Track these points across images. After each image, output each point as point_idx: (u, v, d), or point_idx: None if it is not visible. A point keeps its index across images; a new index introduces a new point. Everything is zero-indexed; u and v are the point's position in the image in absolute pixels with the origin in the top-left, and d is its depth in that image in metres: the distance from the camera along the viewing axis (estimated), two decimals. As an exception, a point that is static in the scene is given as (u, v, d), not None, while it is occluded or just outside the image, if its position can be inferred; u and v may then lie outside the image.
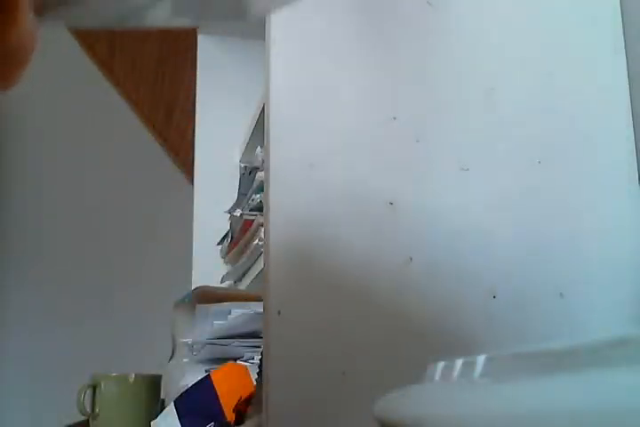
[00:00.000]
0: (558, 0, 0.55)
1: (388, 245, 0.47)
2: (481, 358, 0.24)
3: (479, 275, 0.49)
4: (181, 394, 0.63)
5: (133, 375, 0.71)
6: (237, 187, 0.92)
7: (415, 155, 0.50)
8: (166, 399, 0.71)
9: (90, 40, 1.56)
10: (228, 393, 0.60)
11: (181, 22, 0.26)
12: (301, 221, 0.47)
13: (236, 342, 0.68)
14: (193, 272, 0.99)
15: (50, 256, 1.47)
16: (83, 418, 0.72)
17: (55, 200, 1.51)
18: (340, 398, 0.44)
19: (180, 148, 1.52)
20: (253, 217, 0.82)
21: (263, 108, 0.59)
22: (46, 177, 1.53)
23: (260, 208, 0.79)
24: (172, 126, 1.56)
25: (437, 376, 0.27)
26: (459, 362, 0.26)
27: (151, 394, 0.72)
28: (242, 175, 0.93)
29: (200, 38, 1.06)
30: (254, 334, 0.67)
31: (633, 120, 0.52)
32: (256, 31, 0.59)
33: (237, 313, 0.67)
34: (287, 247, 0.46)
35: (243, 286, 0.89)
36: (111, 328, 1.42)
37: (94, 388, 0.70)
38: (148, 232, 1.51)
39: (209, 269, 0.97)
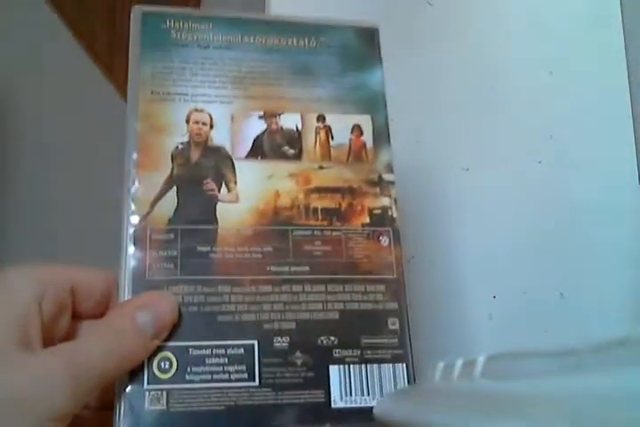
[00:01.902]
0: (558, 0, 0.55)
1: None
2: (481, 358, 0.24)
3: (479, 275, 0.49)
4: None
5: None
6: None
7: (415, 155, 0.50)
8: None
9: (90, 40, 1.56)
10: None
11: None
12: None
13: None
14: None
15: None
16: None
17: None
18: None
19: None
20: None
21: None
22: (47, 178, 1.53)
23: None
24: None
25: (437, 376, 0.27)
26: (459, 362, 0.26)
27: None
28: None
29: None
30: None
31: (633, 120, 0.52)
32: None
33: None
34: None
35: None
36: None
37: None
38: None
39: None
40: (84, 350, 0.26)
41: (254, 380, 0.29)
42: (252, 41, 0.35)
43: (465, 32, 0.53)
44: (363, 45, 0.37)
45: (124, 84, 0.34)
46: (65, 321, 0.29)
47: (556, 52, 0.53)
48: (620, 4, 0.54)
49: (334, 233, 0.33)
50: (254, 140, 0.34)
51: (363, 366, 0.31)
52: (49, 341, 0.27)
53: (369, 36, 0.37)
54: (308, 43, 0.36)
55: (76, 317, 0.30)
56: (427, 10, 0.53)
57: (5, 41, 1.53)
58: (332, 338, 0.31)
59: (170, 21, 0.35)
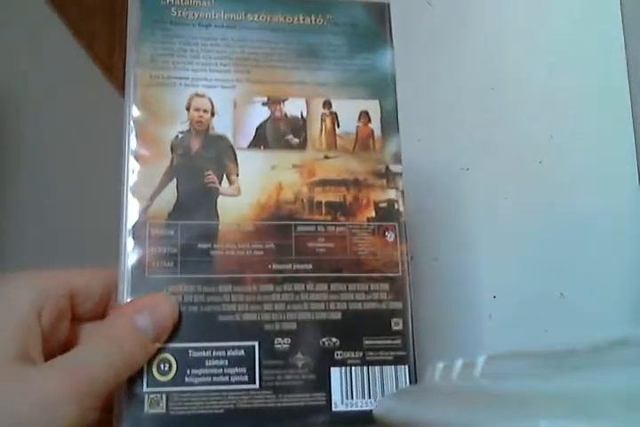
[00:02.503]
0: (558, 0, 0.55)
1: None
2: (481, 358, 0.24)
3: (479, 275, 0.49)
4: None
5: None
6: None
7: (415, 155, 0.50)
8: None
9: (90, 40, 1.56)
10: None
11: None
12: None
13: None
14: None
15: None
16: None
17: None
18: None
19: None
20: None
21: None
22: (47, 180, 1.53)
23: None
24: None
25: (437, 376, 0.27)
26: (459, 362, 0.26)
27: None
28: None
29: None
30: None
31: (633, 120, 0.52)
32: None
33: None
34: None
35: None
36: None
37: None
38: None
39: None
40: (86, 362, 0.26)
41: (254, 382, 0.29)
42: (255, 19, 0.34)
43: (465, 32, 0.53)
44: (372, 23, 0.35)
45: (123, 81, 0.33)
46: (64, 327, 0.29)
47: (556, 52, 0.53)
48: (620, 4, 0.54)
49: (338, 228, 0.32)
50: (257, 129, 0.33)
51: (364, 368, 0.30)
52: (49, 349, 0.27)
53: (379, 13, 0.35)
54: (315, 20, 0.34)
55: (76, 319, 0.30)
56: (427, 10, 0.53)
57: (5, 41, 1.53)
58: (334, 339, 0.30)
59: None
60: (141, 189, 0.30)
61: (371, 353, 0.31)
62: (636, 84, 0.52)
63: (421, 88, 0.51)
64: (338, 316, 0.31)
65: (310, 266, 0.31)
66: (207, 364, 0.29)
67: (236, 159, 0.32)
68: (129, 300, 0.29)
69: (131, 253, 0.30)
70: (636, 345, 0.17)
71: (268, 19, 0.34)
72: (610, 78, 0.53)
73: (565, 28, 0.54)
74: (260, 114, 0.33)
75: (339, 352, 0.30)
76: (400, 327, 0.31)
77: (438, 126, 0.51)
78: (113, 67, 1.56)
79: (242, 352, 0.29)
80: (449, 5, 0.53)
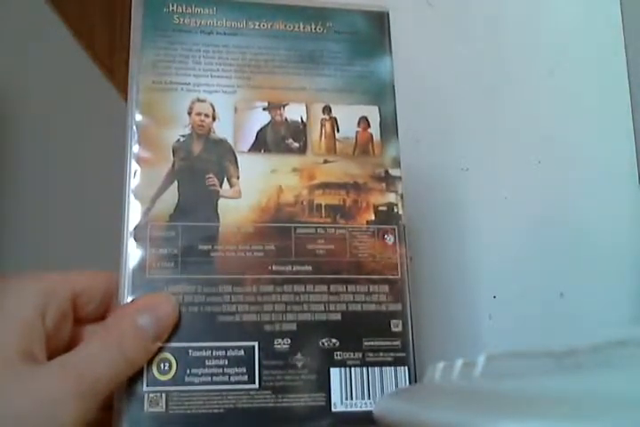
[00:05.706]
0: (558, 0, 0.55)
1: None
2: (481, 358, 0.24)
3: (479, 275, 0.49)
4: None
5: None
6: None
7: (415, 155, 0.50)
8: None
9: (90, 40, 1.56)
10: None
11: None
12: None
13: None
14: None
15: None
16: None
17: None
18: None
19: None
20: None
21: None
22: (45, 182, 1.53)
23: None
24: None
25: (437, 376, 0.27)
26: (459, 362, 0.26)
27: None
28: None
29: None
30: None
31: (633, 120, 0.52)
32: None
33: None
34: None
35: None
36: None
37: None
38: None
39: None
40: (88, 361, 0.26)
41: (254, 382, 0.29)
42: (256, 26, 0.34)
43: (465, 32, 0.53)
44: (372, 31, 0.35)
45: (125, 83, 0.33)
46: (67, 328, 0.29)
47: (556, 52, 0.53)
48: (620, 3, 0.54)
49: (338, 231, 0.32)
50: (258, 133, 0.33)
51: (364, 369, 0.30)
52: (52, 349, 0.27)
53: (378, 20, 0.36)
54: (315, 28, 0.35)
55: (78, 321, 0.30)
56: (427, 10, 0.53)
57: (5, 41, 1.53)
58: (334, 340, 0.30)
59: (172, 5, 0.34)
60: (143, 191, 0.31)
61: (370, 354, 0.31)
62: (636, 84, 0.52)
63: (421, 88, 0.51)
64: (337, 317, 0.31)
65: (310, 268, 0.31)
66: (207, 363, 0.29)
67: (236, 162, 0.32)
68: (130, 300, 0.29)
69: (132, 254, 0.30)
70: (635, 345, 0.17)
71: (269, 26, 0.34)
72: (610, 78, 0.53)
73: (565, 28, 0.54)
74: (260, 118, 0.33)
75: (338, 353, 0.30)
76: (399, 329, 0.31)
77: (438, 127, 0.51)
78: (113, 67, 1.56)
79: (242, 352, 0.29)
80: (449, 5, 0.53)
